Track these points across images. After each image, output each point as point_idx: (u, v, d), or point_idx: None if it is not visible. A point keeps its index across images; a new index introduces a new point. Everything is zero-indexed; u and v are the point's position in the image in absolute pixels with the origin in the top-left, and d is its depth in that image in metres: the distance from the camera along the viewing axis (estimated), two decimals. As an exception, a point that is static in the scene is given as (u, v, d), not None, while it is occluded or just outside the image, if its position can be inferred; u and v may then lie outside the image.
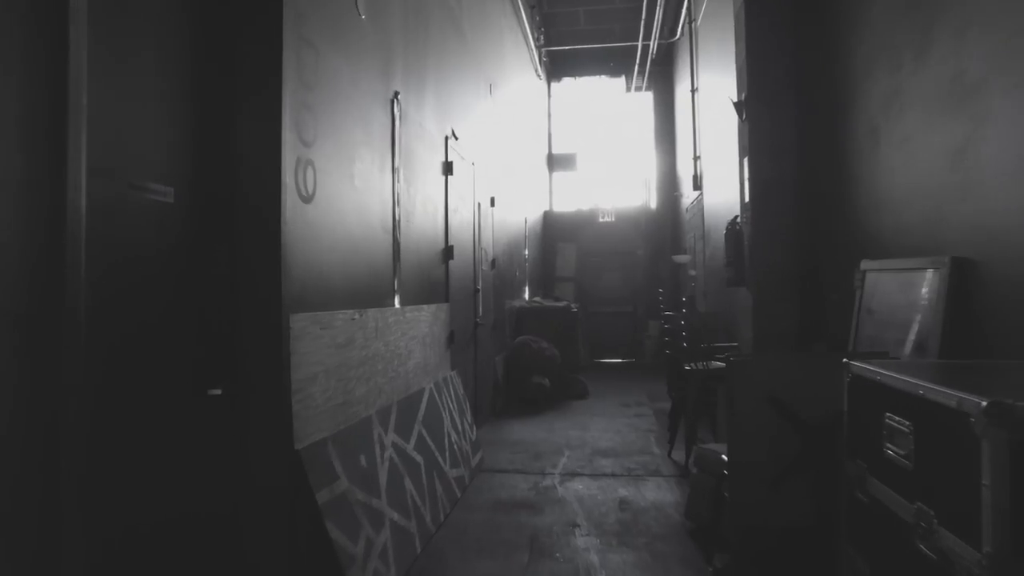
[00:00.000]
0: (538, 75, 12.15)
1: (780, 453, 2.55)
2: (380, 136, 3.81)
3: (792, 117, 4.45)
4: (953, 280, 2.46)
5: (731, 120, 6.62)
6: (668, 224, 12.73)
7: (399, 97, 4.09)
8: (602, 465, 5.15)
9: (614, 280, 13.13)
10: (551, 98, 14.00)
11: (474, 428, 5.24)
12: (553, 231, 13.04)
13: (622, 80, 13.84)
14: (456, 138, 5.56)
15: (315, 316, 2.88)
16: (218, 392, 2.45)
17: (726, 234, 4.84)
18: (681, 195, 12.09)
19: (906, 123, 2.97)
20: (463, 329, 5.82)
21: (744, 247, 4.63)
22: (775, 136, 4.43)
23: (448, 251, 5.26)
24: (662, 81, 13.40)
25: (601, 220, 13.01)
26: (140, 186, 2.11)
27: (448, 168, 5.29)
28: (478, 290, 6.37)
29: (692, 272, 10.08)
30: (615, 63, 13.57)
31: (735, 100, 4.74)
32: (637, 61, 12.25)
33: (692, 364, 5.07)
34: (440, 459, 4.20)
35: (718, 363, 5.08)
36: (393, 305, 3.99)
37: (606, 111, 13.95)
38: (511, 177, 8.74)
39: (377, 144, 3.76)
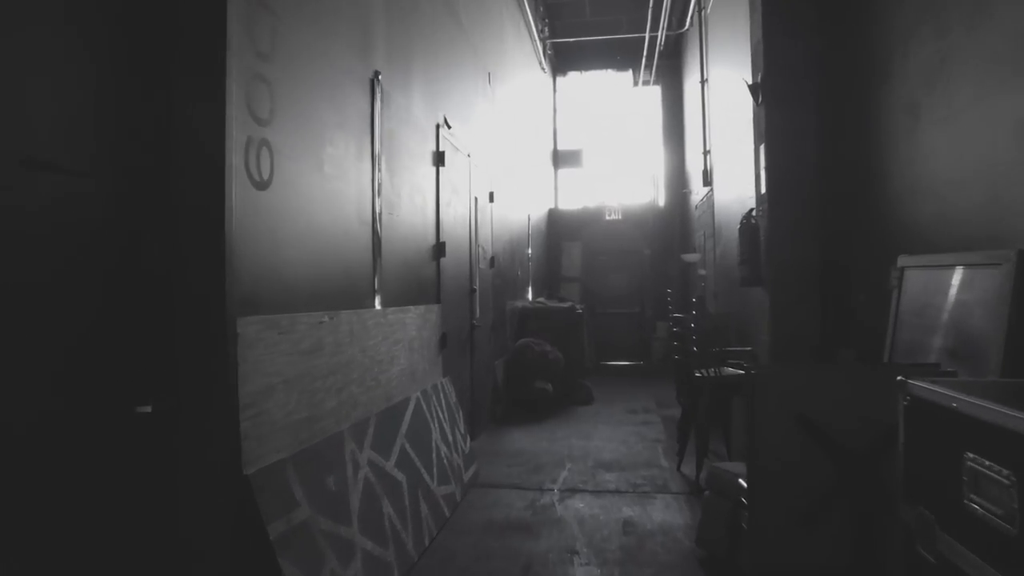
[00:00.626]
0: (542, 68, 11.77)
1: (810, 482, 2.15)
2: (357, 119, 3.44)
3: (813, 98, 4.04)
4: (1020, 278, 2.06)
5: (744, 109, 6.22)
6: (676, 222, 12.32)
7: (380, 78, 3.72)
8: (605, 480, 4.76)
9: (621, 280, 12.72)
10: (556, 93, 13.61)
11: (468, 439, 4.86)
12: (558, 229, 12.65)
13: (629, 74, 13.43)
14: (449, 127, 5.18)
15: (271, 320, 2.51)
16: (148, 410, 2.08)
17: (740, 229, 4.45)
18: (690, 192, 11.68)
19: (955, 95, 2.57)
20: (457, 331, 5.45)
21: (760, 243, 4.24)
22: (794, 120, 4.03)
23: (439, 248, 4.88)
24: (670, 75, 12.99)
25: (608, 218, 12.61)
26: (39, 165, 1.74)
27: (439, 159, 4.92)
28: (475, 290, 5.99)
29: (702, 271, 9.68)
30: (622, 56, 13.16)
31: (750, 82, 4.34)
32: (644, 54, 11.84)
33: (703, 370, 4.68)
34: (426, 476, 3.82)
35: (731, 369, 4.68)
36: (373, 306, 3.62)
37: (613, 106, 13.55)
38: (513, 172, 8.36)
39: (354, 127, 3.39)
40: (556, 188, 13.39)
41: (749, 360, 5.35)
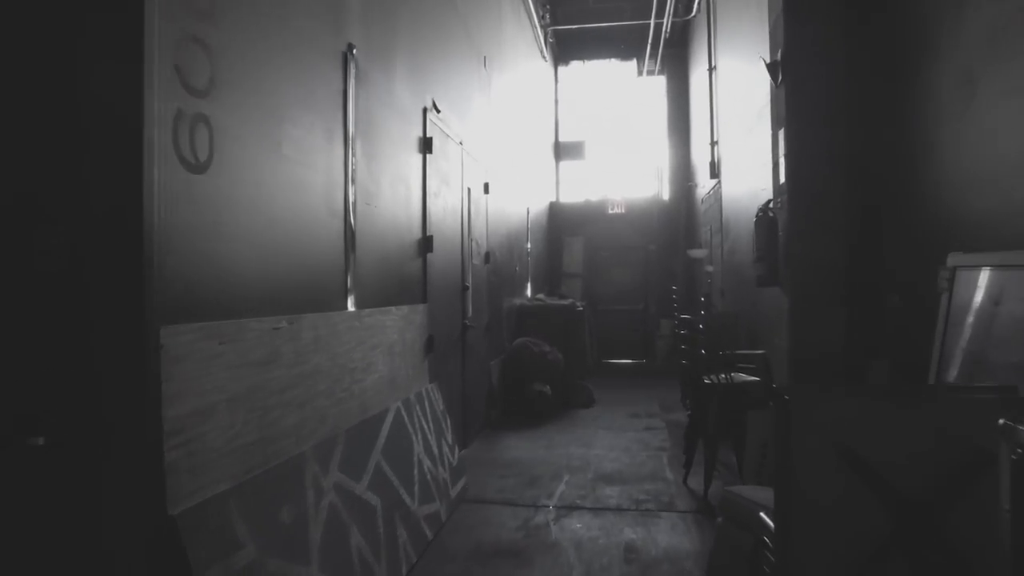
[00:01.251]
0: (544, 57, 11.34)
1: (858, 530, 1.76)
2: (327, 97, 3.04)
3: (840, 78, 3.63)
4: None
5: (755, 97, 5.81)
6: (682, 216, 11.90)
7: (355, 52, 3.32)
8: (606, 495, 4.37)
9: (624, 276, 12.32)
10: (558, 83, 13.18)
11: (456, 450, 4.47)
12: (559, 224, 12.24)
13: (633, 64, 12.99)
14: (438, 111, 4.78)
15: (211, 327, 2.12)
16: (39, 442, 1.69)
17: (756, 222, 4.05)
18: (696, 185, 11.26)
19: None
20: (447, 333, 5.06)
21: (778, 238, 3.83)
22: (818, 101, 3.63)
23: (426, 242, 4.49)
24: (676, 64, 12.54)
25: (610, 212, 12.20)
26: None
27: (426, 145, 4.52)
28: (467, 287, 5.60)
29: (709, 268, 9.27)
30: (626, 45, 12.72)
31: (768, 61, 3.93)
32: (649, 42, 11.40)
33: (712, 376, 4.28)
34: (405, 496, 3.43)
35: (742, 375, 4.29)
36: (345, 308, 3.23)
37: (616, 97, 13.12)
38: (511, 163, 7.96)
39: (322, 106, 2.99)
40: (558, 181, 12.97)
41: (760, 364, 4.96)
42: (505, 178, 7.56)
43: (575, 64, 13.25)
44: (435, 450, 4.05)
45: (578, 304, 8.58)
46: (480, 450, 5.59)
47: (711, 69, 9.08)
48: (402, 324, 3.93)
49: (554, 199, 12.54)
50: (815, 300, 3.56)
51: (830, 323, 3.52)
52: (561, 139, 13.12)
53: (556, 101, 13.12)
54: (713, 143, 9.01)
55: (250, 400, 2.32)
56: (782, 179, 3.76)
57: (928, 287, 2.63)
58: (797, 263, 3.64)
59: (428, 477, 3.80)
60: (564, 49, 12.97)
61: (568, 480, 4.71)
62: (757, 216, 4.04)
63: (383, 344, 3.62)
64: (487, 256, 6.40)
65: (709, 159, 9.03)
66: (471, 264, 5.77)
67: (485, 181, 6.38)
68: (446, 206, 5.01)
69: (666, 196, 12.37)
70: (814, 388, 2.58)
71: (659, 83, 12.88)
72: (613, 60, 13.14)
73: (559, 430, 6.34)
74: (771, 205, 4.05)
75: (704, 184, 10.18)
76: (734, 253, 7.56)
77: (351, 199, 3.26)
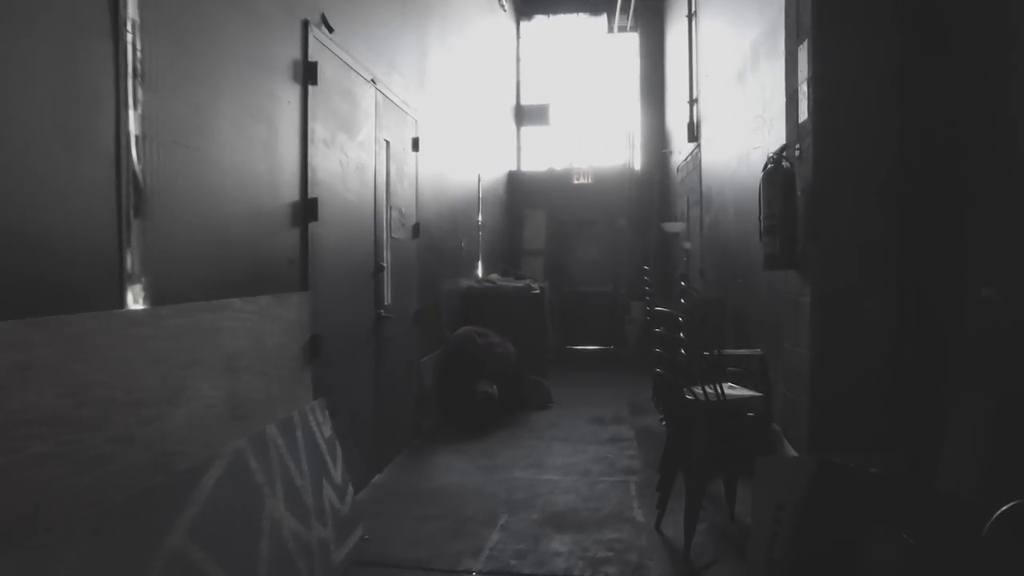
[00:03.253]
0: (502, 6, 10.03)
1: None
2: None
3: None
4: None
5: (749, 32, 4.64)
6: (655, 187, 10.75)
7: None
8: (552, 552, 3.23)
9: (591, 254, 11.17)
10: (520, 39, 11.87)
11: (348, 492, 3.29)
12: (520, 195, 11.01)
13: (603, 19, 11.72)
14: (330, 30, 3.52)
15: None
16: None
17: (764, 180, 2.90)
18: (671, 152, 10.12)
19: None
20: (349, 328, 3.86)
21: (798, 200, 2.69)
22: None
23: (307, 207, 3.26)
24: (650, 18, 11.30)
25: (576, 182, 11.00)
26: None
27: (309, 73, 3.27)
28: (383, 267, 4.38)
29: (686, 244, 8.16)
30: (595, -3, 11.45)
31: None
32: (621, -9, 10.15)
33: (700, 388, 3.15)
34: (236, 591, 2.24)
35: (737, 388, 3.17)
36: (120, 306, 2.00)
37: (584, 56, 11.86)
38: (456, 120, 6.71)
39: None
40: (519, 148, 11.72)
41: (758, 368, 3.84)
42: (446, 137, 6.31)
43: (539, 19, 11.95)
44: (308, 500, 2.86)
45: (534, 286, 7.40)
46: (400, 474, 4.43)
47: (691, 15, 7.89)
48: (256, 323, 2.72)
49: (514, 168, 11.30)
50: (854, 290, 2.44)
51: (876, 322, 2.41)
52: (523, 102, 11.84)
53: (518, 60, 11.82)
54: (692, 101, 7.85)
55: None
56: (803, 115, 2.60)
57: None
58: (830, 236, 2.50)
59: (289, 547, 2.62)
60: (527, 1, 11.66)
61: (506, 524, 3.56)
62: (766, 170, 2.88)
63: (213, 357, 2.41)
64: (416, 228, 5.18)
65: (687, 120, 7.87)
66: (389, 238, 4.55)
67: (414, 136, 5.13)
68: (346, 162, 3.77)
69: (638, 165, 11.19)
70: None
71: (632, 41, 11.65)
72: (581, 15, 11.86)
73: (505, 443, 5.19)
74: (786, 154, 2.89)
75: (680, 150, 9.05)
76: (717, 227, 6.45)
77: (132, 131, 2.02)
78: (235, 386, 2.55)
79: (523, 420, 5.93)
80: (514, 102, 11.59)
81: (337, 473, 3.20)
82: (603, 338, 10.83)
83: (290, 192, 3.11)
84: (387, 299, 4.49)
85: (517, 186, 11.06)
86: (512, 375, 6.29)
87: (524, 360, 6.60)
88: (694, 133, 7.78)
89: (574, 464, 4.60)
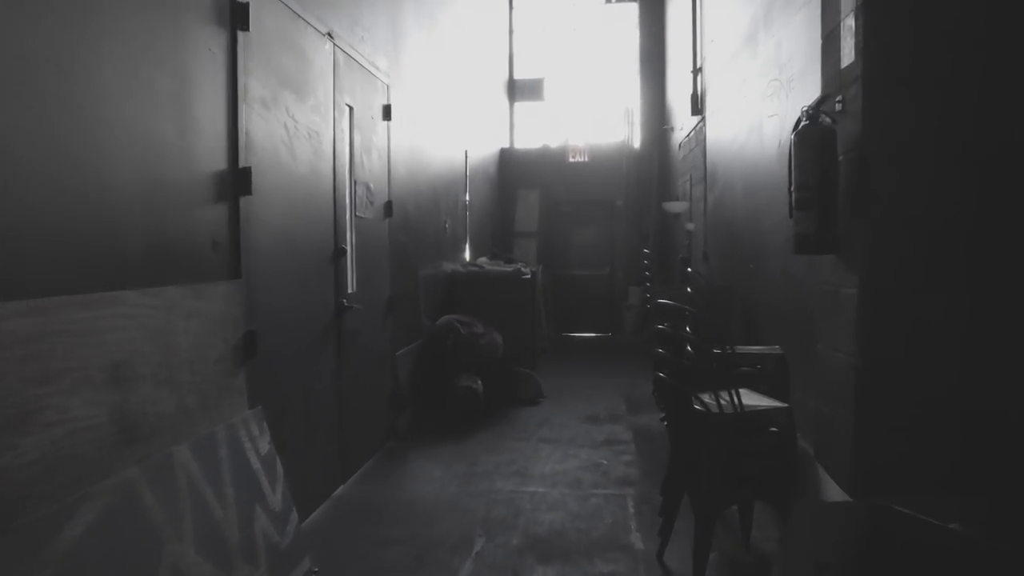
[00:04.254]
0: (492, -28, 9.40)
1: None
2: None
3: None
4: None
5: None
6: (655, 165, 10.16)
7: None
8: (534, 589, 2.73)
9: (587, 237, 10.65)
10: (513, 10, 11.24)
11: (291, 520, 2.76)
12: (512, 174, 10.43)
13: (601, -13, 11.09)
14: (269, -34, 2.94)
15: None
16: None
17: (796, 140, 2.33)
18: (671, 129, 9.53)
19: None
20: (300, 321, 3.32)
21: (840, 165, 2.14)
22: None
23: (237, 178, 2.71)
24: (650, -14, 10.66)
25: (572, 160, 10.42)
26: None
27: (238, 16, 2.70)
28: (345, 251, 3.83)
29: (689, 226, 7.61)
30: (592, -37, 10.79)
31: None
32: (619, -46, 9.50)
33: (711, 397, 2.63)
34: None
35: (755, 396, 2.64)
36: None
37: (581, 28, 11.22)
38: (438, 89, 6.12)
39: None
40: (512, 125, 11.12)
41: (776, 368, 3.31)
42: (426, 108, 5.74)
43: (533, -13, 11.30)
44: (232, 537, 2.33)
45: (525, 270, 6.86)
46: (367, 484, 3.91)
47: (695, -24, 7.27)
48: (162, 320, 2.18)
49: (506, 145, 10.71)
50: (917, 283, 1.90)
51: (946, 325, 1.87)
52: (516, 76, 11.23)
53: (511, 31, 11.20)
54: (696, 71, 7.25)
55: None
56: (847, 57, 2.05)
57: None
58: (886, 212, 1.95)
59: (200, 600, 2.09)
60: (519, -33, 11.02)
61: (482, 552, 3.05)
62: (798, 129, 2.31)
63: (88, 366, 1.87)
64: (388, 207, 4.62)
65: (692, 90, 7.27)
66: (354, 217, 4.00)
67: (385, 103, 4.56)
68: (294, 127, 3.21)
69: (637, 142, 10.60)
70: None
71: (630, 11, 11.02)
72: (577, -18, 11.22)
73: (488, 445, 4.67)
74: (825, 107, 2.33)
75: (682, 126, 8.47)
76: (722, 206, 5.90)
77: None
78: (126, 401, 2.01)
79: (510, 418, 5.41)
80: (506, 76, 10.98)
81: (276, 498, 2.68)
82: (599, 325, 10.33)
83: (213, 159, 2.55)
84: (351, 286, 3.94)
85: (509, 164, 10.48)
86: (499, 368, 5.78)
87: (513, 351, 6.10)
88: (698, 105, 7.19)
89: (563, 472, 4.09)
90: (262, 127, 2.89)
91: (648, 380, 6.39)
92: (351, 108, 3.94)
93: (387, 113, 4.58)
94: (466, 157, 7.48)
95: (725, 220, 5.73)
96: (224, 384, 2.56)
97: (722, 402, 2.59)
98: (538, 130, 11.12)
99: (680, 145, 8.64)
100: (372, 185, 4.31)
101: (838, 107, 2.23)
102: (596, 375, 7.27)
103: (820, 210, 2.22)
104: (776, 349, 3.33)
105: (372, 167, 4.32)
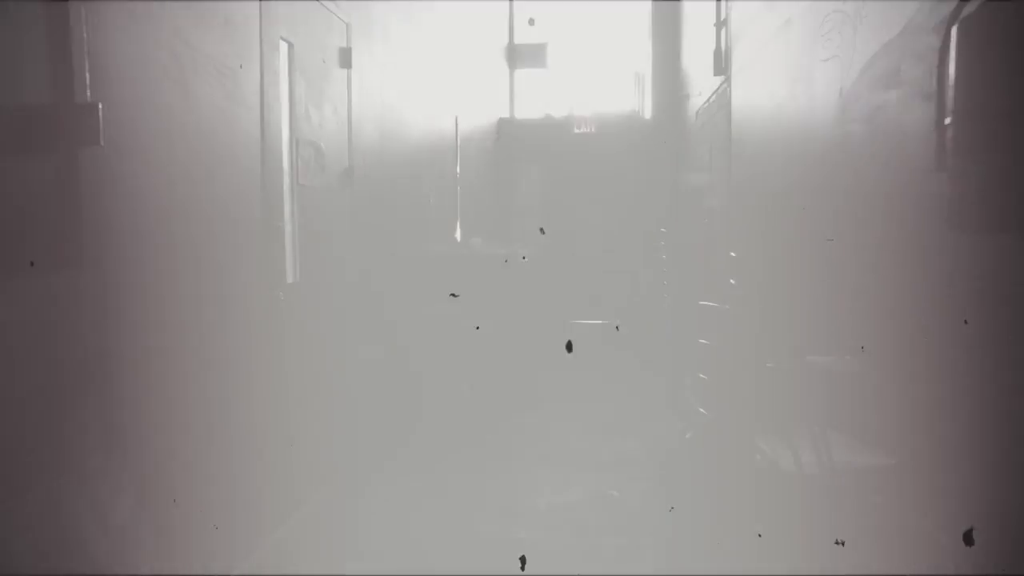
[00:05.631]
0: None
1: None
2: None
3: None
4: None
5: None
6: (670, 137, 9.26)
7: None
8: None
9: (594, 215, 9.77)
10: (514, -33, 10.29)
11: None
12: (511, 146, 9.55)
13: (611, -59, 10.12)
14: None
15: None
16: None
17: (960, 33, 1.40)
18: (688, 96, 8.62)
19: None
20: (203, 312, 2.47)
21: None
22: None
23: (83, 118, 1.84)
24: (665, -62, 9.68)
25: (578, 131, 9.54)
26: None
27: None
28: (279, 228, 2.97)
29: (711, 203, 6.72)
30: (601, -87, 9.82)
31: None
32: (632, -101, 8.53)
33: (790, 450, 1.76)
34: None
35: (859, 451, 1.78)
36: None
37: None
38: (424, 51, 5.25)
39: None
40: (512, 94, 10.22)
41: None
42: (404, 61, 4.85)
43: (536, -59, 10.34)
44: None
45: (522, 251, 6.02)
46: (305, 526, 3.09)
47: (719, -87, 6.32)
48: None
49: (506, 115, 9.83)
50: None
51: None
52: (517, 41, 10.31)
53: (511, -10, 10.26)
54: (720, 23, 6.33)
55: None
56: None
57: None
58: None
59: None
60: (521, -82, 10.05)
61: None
62: (961, 18, 1.40)
63: None
64: (348, 174, 3.75)
65: (715, 46, 6.35)
66: (296, 185, 3.13)
67: (343, 46, 3.67)
68: (189, 57, 2.34)
69: (648, 113, 9.69)
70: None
71: (643, -34, 10.06)
72: (585, -64, 10.25)
73: (469, 466, 3.84)
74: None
75: (701, 91, 7.56)
76: (754, 182, 5.00)
77: None
78: None
79: (498, 427, 4.58)
80: (506, 41, 10.08)
81: None
82: (606, 313, 9.49)
83: (31, 89, 1.69)
84: (290, 275, 3.09)
85: (508, 136, 9.59)
86: (483, 365, 4.95)
87: (500, 344, 5.27)
88: (722, 64, 6.27)
89: (563, 508, 3.26)
90: (127, 49, 2.02)
91: (661, 383, 5.58)
92: (291, 45, 3.06)
93: (346, 59, 3.69)
94: (456, 125, 6.61)
95: (762, 197, 4.84)
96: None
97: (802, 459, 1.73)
98: (541, 99, 10.24)
99: (698, 113, 7.72)
100: (324, 146, 3.44)
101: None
102: (602, 373, 6.45)
103: (1001, 161, 1.31)
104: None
105: (325, 124, 3.45)
